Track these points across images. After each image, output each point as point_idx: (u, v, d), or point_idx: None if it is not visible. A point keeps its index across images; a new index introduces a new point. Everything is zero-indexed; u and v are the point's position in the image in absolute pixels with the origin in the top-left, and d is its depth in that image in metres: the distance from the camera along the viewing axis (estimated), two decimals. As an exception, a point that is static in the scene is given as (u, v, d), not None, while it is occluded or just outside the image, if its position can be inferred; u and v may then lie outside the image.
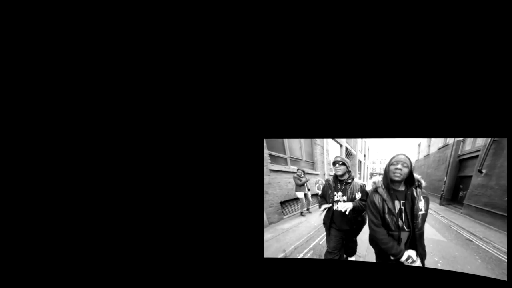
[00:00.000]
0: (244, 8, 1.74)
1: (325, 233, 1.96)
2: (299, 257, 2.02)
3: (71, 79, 1.81)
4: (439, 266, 1.92)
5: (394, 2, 1.64)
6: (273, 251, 2.00)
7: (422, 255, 1.57)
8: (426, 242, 1.61)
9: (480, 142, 3.06)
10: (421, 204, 1.55)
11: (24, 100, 1.77)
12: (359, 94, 1.79)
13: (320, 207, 2.06)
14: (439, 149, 4.67)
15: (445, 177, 4.27)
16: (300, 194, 2.84)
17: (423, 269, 1.66)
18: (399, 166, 1.49)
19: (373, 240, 1.65)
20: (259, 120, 1.88)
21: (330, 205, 1.95)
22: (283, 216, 2.74)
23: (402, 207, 1.53)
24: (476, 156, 3.13)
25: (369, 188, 1.68)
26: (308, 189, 2.82)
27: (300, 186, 2.76)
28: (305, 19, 1.73)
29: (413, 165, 1.54)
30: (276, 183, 2.70)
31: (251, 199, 1.88)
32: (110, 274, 1.83)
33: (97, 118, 1.85)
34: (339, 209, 1.86)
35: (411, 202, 1.53)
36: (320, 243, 2.23)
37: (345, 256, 1.93)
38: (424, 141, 4.82)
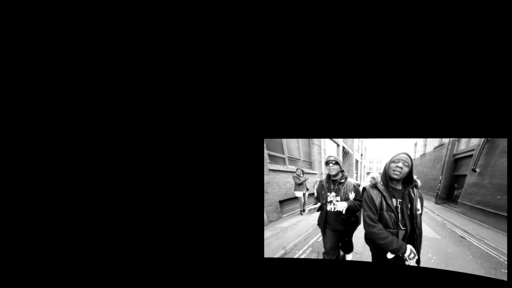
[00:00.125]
0: (243, 9, 1.74)
1: (323, 231, 1.97)
2: (298, 253, 2.07)
3: (71, 79, 1.81)
4: (432, 262, 2.01)
5: (391, 2, 1.63)
6: (274, 248, 2.06)
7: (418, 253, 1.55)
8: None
9: (475, 141, 3.15)
10: (418, 204, 1.54)
11: (24, 100, 1.77)
12: (357, 95, 1.79)
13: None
14: (435, 148, 4.76)
15: (441, 176, 4.36)
16: (299, 193, 2.91)
17: (423, 269, 1.66)
18: (400, 164, 1.47)
19: (369, 239, 1.61)
20: (260, 121, 1.89)
21: (316, 206, 1.94)
22: (282, 215, 2.81)
23: (399, 206, 1.51)
24: (471, 156, 3.23)
25: (367, 183, 1.66)
26: (307, 189, 2.89)
27: (299, 185, 2.83)
28: (304, 20, 1.73)
29: (413, 165, 1.51)
30: (275, 183, 2.77)
31: (251, 199, 1.89)
32: (110, 274, 1.84)
33: (98, 118, 1.85)
34: (332, 210, 1.84)
35: (409, 202, 1.51)
36: (319, 240, 2.28)
37: (342, 253, 1.94)
38: (420, 140, 4.89)
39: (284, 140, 2.97)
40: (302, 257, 2.03)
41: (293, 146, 3.29)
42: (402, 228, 1.50)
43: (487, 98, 1.62)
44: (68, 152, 1.81)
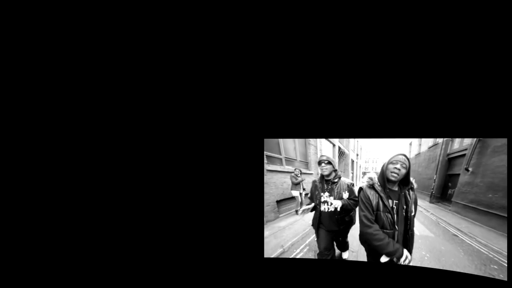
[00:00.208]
0: (242, 9, 1.74)
1: (319, 230, 1.98)
2: (296, 252, 2.12)
3: (71, 79, 1.81)
4: (425, 259, 2.07)
5: (387, 2, 1.62)
6: (272, 247, 2.11)
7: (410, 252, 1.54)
8: (415, 238, 1.59)
9: (467, 141, 3.23)
10: (412, 206, 1.54)
11: (24, 100, 1.77)
12: (353, 95, 1.79)
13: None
14: (429, 148, 4.85)
15: (435, 176, 4.45)
16: (295, 193, 2.96)
17: (422, 269, 1.66)
18: (398, 166, 1.45)
19: (365, 240, 1.60)
20: (260, 121, 1.88)
21: (309, 206, 1.92)
22: (279, 215, 2.86)
23: (395, 207, 1.50)
24: (464, 155, 3.32)
25: (364, 183, 1.63)
26: (304, 189, 2.94)
27: (296, 185, 2.88)
28: (301, 22, 1.73)
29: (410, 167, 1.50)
30: (272, 183, 2.82)
31: (252, 198, 1.91)
32: (110, 274, 1.84)
33: (96, 118, 1.85)
34: (326, 210, 1.82)
35: (405, 204, 1.50)
36: (315, 239, 2.31)
37: (338, 252, 1.95)
38: (415, 140, 4.96)
39: (281, 141, 3.02)
40: (299, 255, 2.07)
41: (290, 146, 3.34)
42: (397, 229, 1.50)
43: (487, 98, 1.61)
44: (65, 151, 1.81)
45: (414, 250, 1.62)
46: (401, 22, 1.65)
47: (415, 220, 1.60)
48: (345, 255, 1.96)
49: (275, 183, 2.88)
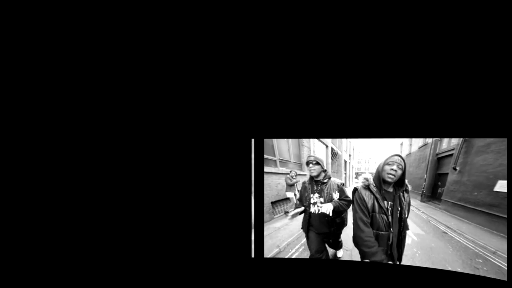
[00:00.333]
0: (235, 8, 1.76)
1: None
2: (292, 251, 2.17)
3: (64, 79, 1.86)
4: (417, 256, 2.14)
5: (382, 2, 1.62)
6: (268, 247, 2.15)
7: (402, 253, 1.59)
8: (412, 241, 1.68)
9: (455, 141, 3.38)
10: (407, 208, 1.60)
11: (24, 100, 1.81)
12: (347, 95, 1.81)
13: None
14: (419, 148, 4.99)
15: (425, 175, 4.59)
16: (290, 194, 3.02)
17: (421, 269, 1.66)
18: (394, 167, 1.49)
19: (356, 242, 1.64)
20: (260, 121, 1.91)
21: (299, 210, 1.93)
22: (274, 216, 2.91)
23: (390, 208, 1.55)
24: (451, 155, 3.46)
25: (359, 183, 1.64)
26: (298, 190, 3.00)
27: (290, 186, 2.94)
28: (294, 22, 1.75)
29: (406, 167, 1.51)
30: (267, 184, 2.86)
31: (249, 200, 1.96)
32: (100, 274, 1.87)
33: (89, 118, 1.89)
34: (316, 212, 1.81)
35: (399, 206, 1.55)
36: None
37: (332, 251, 1.96)
38: (405, 140, 5.10)
39: (275, 143, 3.08)
40: (295, 254, 2.13)
41: (284, 148, 3.40)
42: (392, 230, 1.54)
43: (487, 98, 1.62)
44: (55, 152, 1.85)
45: (405, 248, 1.69)
46: (393, 22, 1.66)
47: (408, 219, 1.66)
48: (340, 254, 1.99)
49: (270, 185, 2.93)
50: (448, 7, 1.58)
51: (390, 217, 1.53)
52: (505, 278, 1.44)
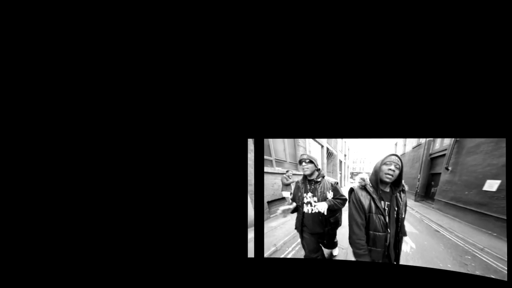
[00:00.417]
0: (232, 8, 1.74)
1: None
2: (288, 250, 2.20)
3: (60, 79, 1.84)
4: (410, 254, 2.24)
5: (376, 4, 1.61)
6: (265, 245, 2.18)
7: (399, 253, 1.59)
8: (403, 242, 1.64)
9: (447, 141, 3.48)
10: (404, 209, 1.56)
11: (24, 100, 1.80)
12: (342, 95, 1.79)
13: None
14: (413, 148, 5.09)
15: (419, 175, 4.69)
16: (285, 193, 3.07)
17: (419, 268, 1.63)
18: (392, 167, 1.46)
19: (349, 242, 1.62)
20: (260, 122, 1.88)
21: (290, 207, 1.87)
22: (270, 215, 2.96)
23: (387, 208, 1.50)
24: (444, 155, 3.57)
25: (356, 183, 1.60)
26: (294, 189, 3.05)
27: (286, 186, 3.00)
28: (289, 22, 1.74)
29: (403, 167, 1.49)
30: (263, 184, 2.90)
31: (245, 200, 1.94)
32: (96, 275, 1.86)
33: (83, 118, 1.87)
34: (310, 212, 1.75)
35: (396, 206, 1.51)
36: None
37: (328, 251, 1.93)
38: (400, 140, 5.17)
39: (272, 143, 3.12)
40: (291, 253, 2.18)
41: (280, 148, 3.45)
42: (389, 231, 1.50)
43: (486, 97, 1.59)
44: (52, 152, 1.84)
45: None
46: (386, 23, 1.64)
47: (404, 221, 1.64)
48: (335, 252, 1.98)
49: (266, 184, 2.97)
50: (442, 8, 1.57)
51: (387, 217, 1.50)
52: (492, 274, 1.51)
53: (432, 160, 4.31)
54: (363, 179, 1.58)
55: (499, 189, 1.56)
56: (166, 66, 1.89)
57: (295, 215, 2.06)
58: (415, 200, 4.75)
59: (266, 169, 3.14)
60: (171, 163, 1.91)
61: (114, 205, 1.88)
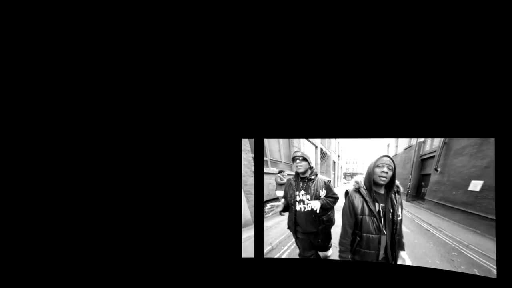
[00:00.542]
0: (230, 9, 1.76)
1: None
2: (284, 249, 2.26)
3: (59, 79, 1.85)
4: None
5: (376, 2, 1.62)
6: None
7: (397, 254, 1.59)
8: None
9: (436, 143, 3.62)
10: (399, 210, 1.56)
11: (24, 100, 1.81)
12: (337, 95, 1.82)
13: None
14: (405, 149, 5.23)
15: (410, 176, 4.83)
16: (280, 193, 3.15)
17: (414, 268, 1.65)
18: (385, 169, 1.47)
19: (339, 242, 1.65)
20: (260, 122, 1.90)
21: (278, 203, 1.89)
22: (265, 215, 3.03)
23: (381, 210, 1.51)
24: (433, 156, 3.70)
25: (350, 187, 1.61)
26: (288, 189, 3.11)
27: (280, 185, 3.07)
28: (288, 23, 1.76)
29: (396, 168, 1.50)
30: (259, 184, 2.96)
31: (240, 200, 2.00)
32: (91, 275, 1.87)
33: (79, 118, 1.88)
34: (302, 210, 1.75)
35: (391, 208, 1.52)
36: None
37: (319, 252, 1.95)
38: (392, 141, 5.30)
39: (267, 144, 3.19)
40: (287, 252, 2.24)
41: (275, 149, 3.52)
42: (385, 233, 1.51)
43: (474, 97, 1.62)
44: (51, 152, 1.85)
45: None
46: (381, 25, 1.67)
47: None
48: (329, 253, 1.99)
49: (261, 185, 3.03)
50: (430, 11, 1.61)
51: (382, 219, 1.52)
52: (475, 268, 1.57)
53: (423, 161, 4.45)
54: (357, 182, 1.61)
55: (482, 189, 1.65)
56: (162, 67, 1.92)
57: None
58: (407, 200, 4.90)
59: (261, 169, 3.21)
60: (166, 163, 1.93)
61: (108, 205, 1.90)
